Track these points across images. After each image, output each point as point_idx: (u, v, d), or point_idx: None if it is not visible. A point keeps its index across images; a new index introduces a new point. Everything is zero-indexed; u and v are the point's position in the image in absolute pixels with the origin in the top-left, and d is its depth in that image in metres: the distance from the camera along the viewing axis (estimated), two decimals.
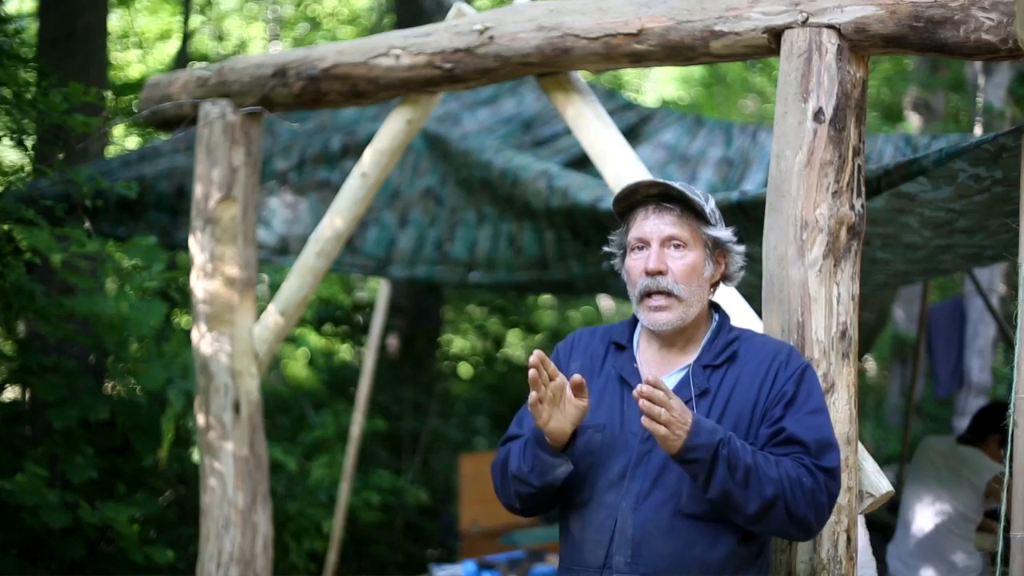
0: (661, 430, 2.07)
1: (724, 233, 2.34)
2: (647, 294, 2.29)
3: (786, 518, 2.14)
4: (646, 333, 2.38)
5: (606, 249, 2.44)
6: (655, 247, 2.29)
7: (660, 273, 2.27)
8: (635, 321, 2.42)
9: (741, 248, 2.38)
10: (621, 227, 2.39)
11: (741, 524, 2.17)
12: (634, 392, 2.07)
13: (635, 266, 2.31)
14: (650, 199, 2.32)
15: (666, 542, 2.19)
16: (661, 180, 2.31)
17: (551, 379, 2.16)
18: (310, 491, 6.24)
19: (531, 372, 2.14)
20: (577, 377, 2.17)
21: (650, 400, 2.06)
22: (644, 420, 2.08)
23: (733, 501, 2.12)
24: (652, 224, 2.30)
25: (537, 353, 2.14)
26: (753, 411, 2.25)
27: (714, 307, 2.41)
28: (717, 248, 2.34)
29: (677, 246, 2.29)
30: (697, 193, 2.32)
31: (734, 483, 2.10)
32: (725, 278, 2.38)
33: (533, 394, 2.15)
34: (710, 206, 2.34)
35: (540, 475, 2.25)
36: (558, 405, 2.18)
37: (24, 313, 4.32)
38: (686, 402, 2.25)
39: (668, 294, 2.27)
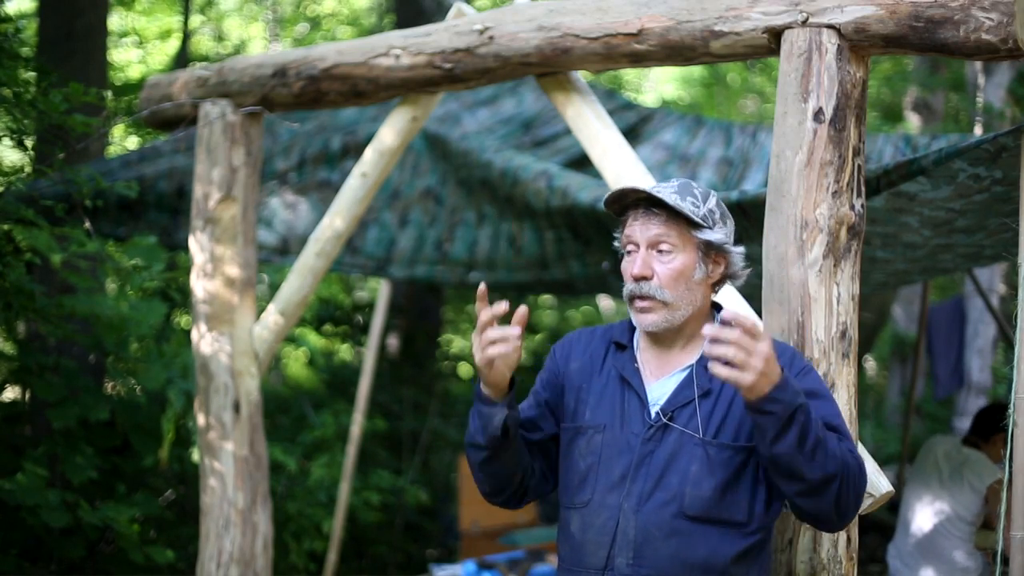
0: (735, 374, 1.97)
1: (717, 235, 2.30)
2: (633, 297, 2.29)
3: (835, 499, 2.10)
4: (645, 332, 2.37)
5: (616, 246, 2.42)
6: (642, 251, 2.28)
7: (645, 278, 2.27)
8: None
9: (739, 248, 2.36)
10: (620, 227, 2.38)
11: (790, 493, 2.12)
12: (718, 328, 1.97)
13: (625, 269, 2.32)
14: (640, 201, 2.31)
15: (668, 543, 2.18)
16: (644, 188, 2.29)
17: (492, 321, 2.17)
18: (310, 491, 6.24)
19: (515, 340, 2.14)
20: (500, 306, 2.16)
21: (739, 337, 1.96)
22: (720, 368, 1.98)
23: (794, 467, 2.06)
24: (640, 228, 2.29)
25: (481, 287, 2.17)
26: None
27: (717, 307, 2.40)
28: (712, 250, 2.31)
29: (663, 250, 2.28)
30: (695, 194, 2.29)
31: (801, 452, 2.04)
32: (730, 277, 2.36)
33: (502, 352, 2.14)
34: (707, 207, 2.30)
35: (484, 430, 2.23)
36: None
37: (24, 313, 4.32)
38: (687, 403, 2.25)
39: (652, 298, 2.27)
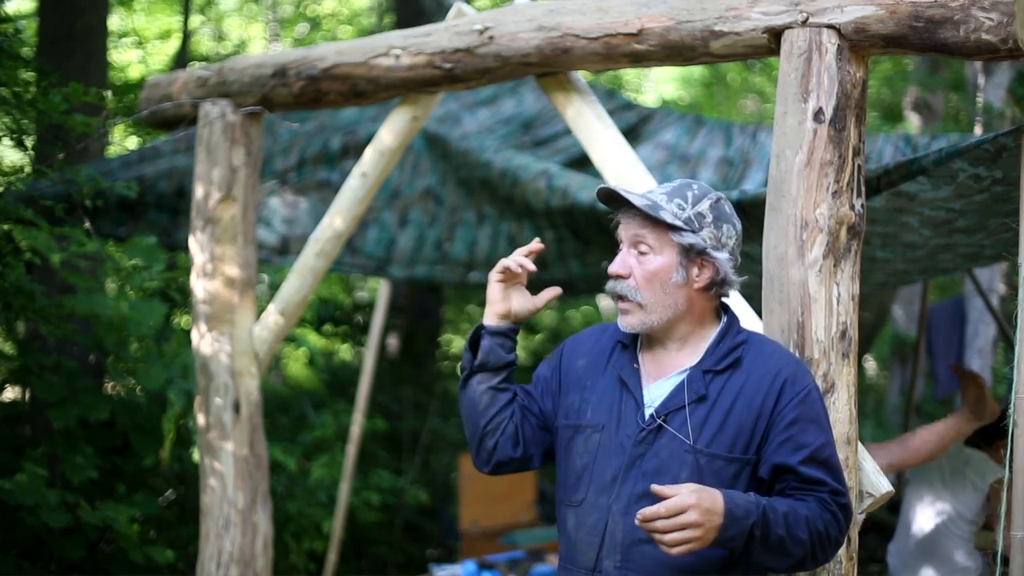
0: (694, 546, 2.05)
1: (698, 240, 2.25)
2: (612, 295, 2.32)
3: (809, 565, 2.21)
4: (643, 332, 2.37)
5: None
6: (624, 249, 2.30)
7: (621, 276, 2.28)
8: None
9: (724, 255, 2.28)
10: None
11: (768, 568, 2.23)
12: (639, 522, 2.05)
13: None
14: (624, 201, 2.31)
15: (655, 548, 2.15)
16: (611, 188, 2.29)
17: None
18: (310, 491, 6.24)
19: (528, 263, 2.39)
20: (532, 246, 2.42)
21: (666, 524, 2.04)
22: (669, 547, 2.05)
23: (765, 562, 2.17)
24: (623, 227, 2.31)
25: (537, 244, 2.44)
26: (755, 425, 2.20)
27: (724, 308, 2.36)
28: (694, 253, 2.26)
29: (642, 251, 2.28)
30: (685, 197, 2.26)
31: (767, 551, 2.13)
32: (723, 283, 2.30)
33: (515, 266, 2.40)
34: (695, 210, 2.26)
35: (467, 351, 2.44)
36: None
37: (24, 313, 4.32)
38: (680, 408, 2.23)
39: (623, 298, 2.28)
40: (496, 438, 2.41)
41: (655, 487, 2.06)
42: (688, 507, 2.02)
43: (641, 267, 2.27)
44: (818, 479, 2.18)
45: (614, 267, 2.29)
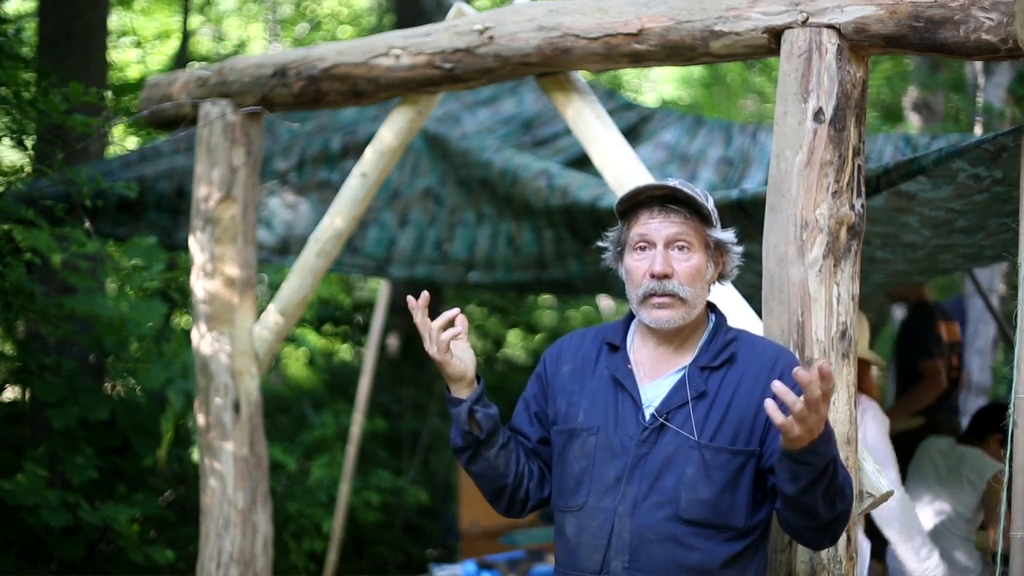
0: (801, 431, 1.97)
1: (726, 235, 2.33)
2: (651, 295, 2.27)
3: (836, 532, 2.17)
4: (641, 333, 2.36)
5: (599, 244, 2.42)
6: (660, 249, 2.26)
7: (666, 276, 2.25)
8: (628, 321, 2.40)
9: (739, 249, 2.37)
10: (619, 224, 2.36)
11: (799, 527, 2.16)
12: (810, 375, 1.93)
13: (638, 267, 2.29)
14: (655, 199, 2.30)
15: (664, 547, 2.17)
16: (668, 183, 2.28)
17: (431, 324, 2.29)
18: (310, 491, 6.24)
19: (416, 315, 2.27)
20: (448, 314, 2.31)
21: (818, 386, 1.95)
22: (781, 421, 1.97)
23: (812, 510, 2.10)
24: (657, 224, 2.28)
25: (423, 297, 2.30)
26: (756, 416, 2.22)
27: (711, 307, 2.39)
28: (717, 249, 2.33)
29: (682, 248, 2.27)
30: (699, 194, 2.31)
31: (824, 499, 2.08)
32: (721, 277, 2.37)
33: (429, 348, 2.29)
34: (710, 206, 2.32)
35: (458, 430, 2.34)
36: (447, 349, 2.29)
37: (24, 313, 4.32)
38: (682, 405, 2.24)
39: (672, 296, 2.26)
40: (525, 487, 2.41)
41: (779, 386, 1.93)
42: (830, 390, 1.95)
43: (684, 264, 2.27)
44: None
45: (660, 267, 2.25)
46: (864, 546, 3.47)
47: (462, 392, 2.33)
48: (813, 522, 2.13)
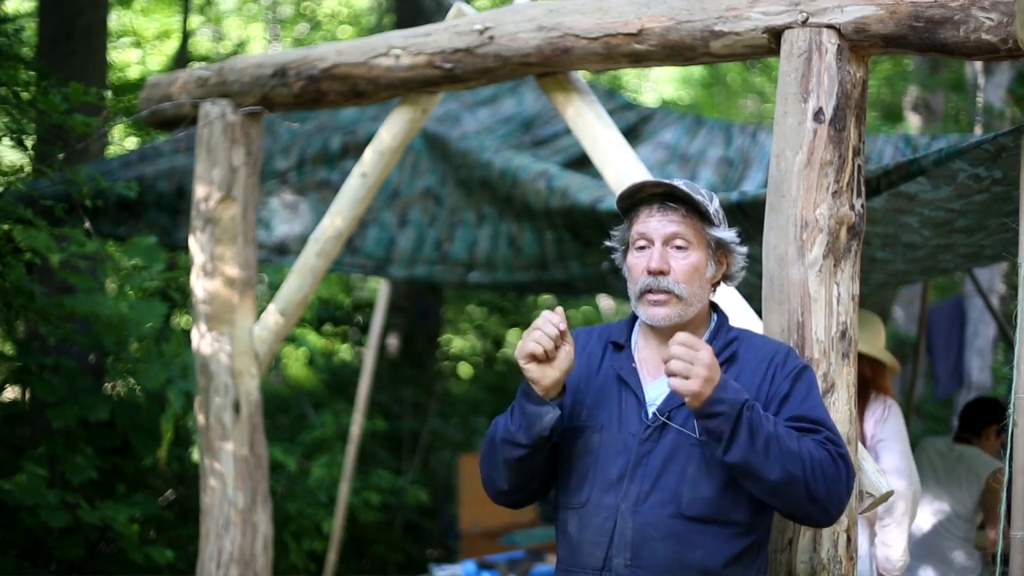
0: (677, 382, 2.06)
1: (727, 234, 2.33)
2: (647, 291, 2.28)
3: (806, 496, 2.11)
4: (644, 332, 2.37)
5: (607, 244, 2.43)
6: (658, 246, 2.28)
7: (662, 273, 2.26)
8: (633, 320, 2.40)
9: (744, 249, 2.37)
10: (623, 223, 2.37)
11: (761, 496, 2.14)
12: (669, 351, 2.07)
13: (637, 264, 2.30)
14: (655, 197, 2.31)
15: (666, 544, 2.17)
16: (667, 181, 2.29)
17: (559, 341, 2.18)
18: (310, 491, 6.24)
19: (552, 330, 2.14)
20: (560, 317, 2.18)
21: (681, 351, 2.06)
22: (672, 379, 2.07)
23: (753, 468, 2.08)
24: (656, 222, 2.29)
25: (560, 312, 2.17)
26: None
27: (713, 307, 2.40)
28: (720, 248, 2.33)
29: (680, 246, 2.28)
30: (702, 193, 2.31)
31: (754, 451, 2.07)
32: (726, 278, 2.37)
33: (538, 348, 2.15)
34: (714, 206, 2.32)
35: (528, 429, 2.22)
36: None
37: (24, 313, 4.32)
38: (683, 404, 2.24)
39: (668, 292, 2.26)
40: (541, 487, 2.38)
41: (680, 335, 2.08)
42: (704, 348, 2.07)
43: (681, 261, 2.27)
44: (812, 428, 2.18)
45: (655, 263, 2.26)
46: (864, 544, 3.48)
47: (551, 393, 2.22)
48: (765, 486, 2.10)
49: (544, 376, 2.18)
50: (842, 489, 2.15)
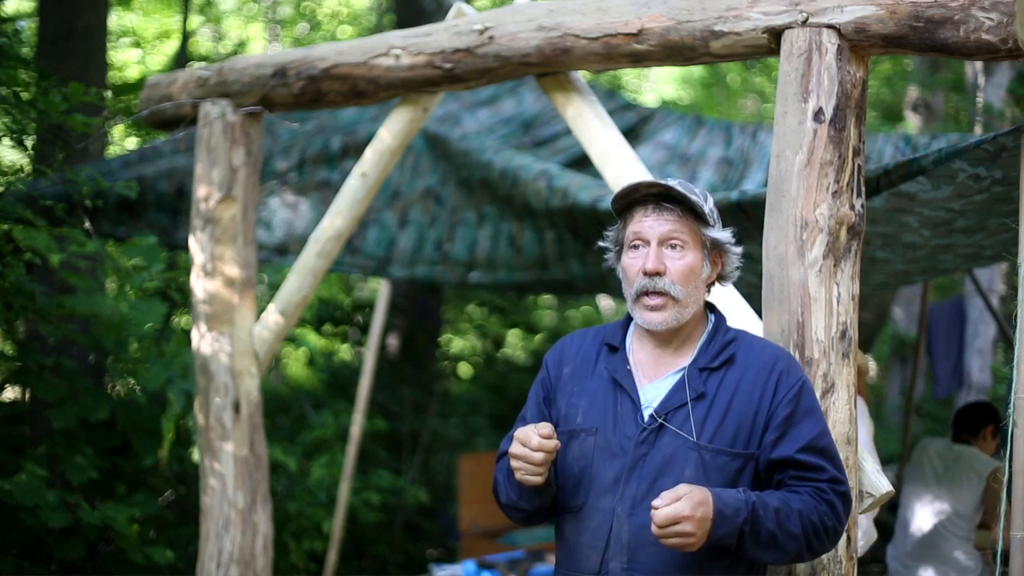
0: (683, 542, 2.07)
1: (723, 234, 2.32)
2: (643, 293, 2.27)
3: (806, 557, 2.21)
4: (639, 334, 2.36)
5: (600, 244, 2.42)
6: (653, 246, 2.27)
7: (658, 273, 2.25)
8: (628, 322, 2.39)
9: (739, 249, 2.36)
10: (618, 223, 2.37)
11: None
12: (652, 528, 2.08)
13: (632, 264, 2.29)
14: (650, 197, 2.30)
15: (662, 547, 2.15)
16: (662, 181, 2.29)
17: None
18: (310, 491, 6.24)
19: (544, 456, 2.15)
20: (546, 429, 2.17)
21: (666, 524, 2.06)
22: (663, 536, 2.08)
23: (759, 558, 2.18)
24: (651, 223, 2.28)
25: (555, 443, 2.17)
26: (755, 419, 2.22)
27: (710, 307, 2.39)
28: (715, 249, 2.32)
29: (675, 246, 2.27)
30: (696, 193, 2.30)
31: (759, 547, 2.14)
32: (721, 278, 2.36)
33: (538, 480, 2.18)
34: (709, 206, 2.32)
35: (529, 501, 2.30)
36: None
37: (24, 313, 4.32)
38: (681, 406, 2.24)
39: (664, 294, 2.26)
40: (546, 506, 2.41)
41: (655, 510, 2.07)
42: (682, 519, 2.05)
43: (677, 263, 2.27)
44: (817, 465, 2.19)
45: (651, 264, 2.25)
46: (864, 523, 3.56)
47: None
48: (773, 562, 2.21)
49: (535, 482, 2.21)
50: (840, 528, 2.23)
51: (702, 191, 2.34)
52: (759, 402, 2.22)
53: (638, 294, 2.28)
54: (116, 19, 10.14)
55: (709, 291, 2.37)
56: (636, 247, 2.29)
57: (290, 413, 7.67)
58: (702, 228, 2.29)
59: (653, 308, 2.26)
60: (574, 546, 2.27)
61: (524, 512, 2.34)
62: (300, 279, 3.71)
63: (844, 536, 2.48)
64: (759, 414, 2.22)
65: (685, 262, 2.27)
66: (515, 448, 2.18)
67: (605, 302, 12.49)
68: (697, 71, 13.72)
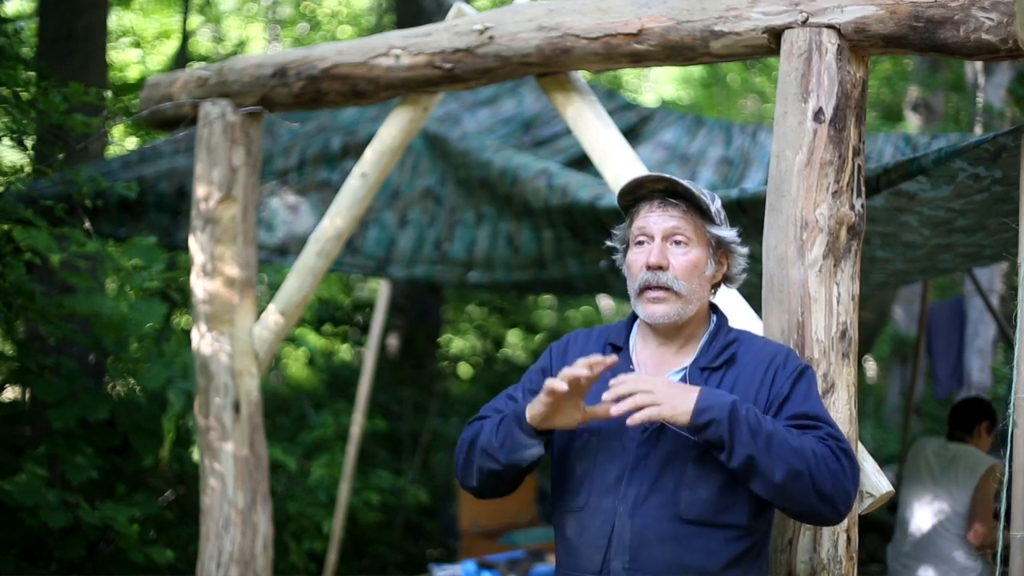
0: (652, 411, 2.06)
1: (728, 233, 2.32)
2: (646, 287, 2.27)
3: (813, 493, 2.08)
4: (643, 333, 2.36)
5: (608, 244, 2.42)
6: (657, 241, 2.27)
7: (661, 268, 2.25)
8: (631, 322, 2.40)
9: (744, 250, 2.36)
10: (625, 221, 2.37)
11: (768, 498, 2.11)
12: (605, 400, 2.08)
13: (636, 260, 2.29)
14: (655, 193, 2.30)
15: (664, 547, 2.16)
16: (667, 176, 2.29)
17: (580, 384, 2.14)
18: (310, 491, 6.24)
19: (584, 372, 2.09)
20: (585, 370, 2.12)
21: (620, 395, 2.07)
22: (633, 416, 2.07)
23: (758, 468, 2.06)
24: (656, 218, 2.28)
25: (606, 360, 2.13)
26: None
27: (713, 308, 2.39)
28: (720, 248, 2.32)
29: (679, 242, 2.27)
30: (704, 192, 2.30)
31: (756, 447, 2.05)
32: (727, 279, 2.36)
33: (561, 384, 2.10)
34: (716, 206, 2.32)
35: (509, 452, 2.21)
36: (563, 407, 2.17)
37: (24, 313, 4.32)
38: None
39: (667, 289, 2.26)
40: (516, 488, 2.36)
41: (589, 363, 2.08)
42: (633, 387, 2.08)
43: (681, 258, 2.26)
44: (812, 425, 2.16)
45: (654, 258, 2.25)
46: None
47: (542, 427, 2.19)
48: (773, 487, 2.08)
49: (549, 417, 2.17)
50: (848, 483, 2.12)
51: (710, 193, 2.34)
52: (756, 396, 2.22)
53: (641, 288, 2.28)
54: (116, 19, 10.15)
55: (715, 292, 2.36)
56: (641, 243, 2.30)
57: (290, 413, 7.67)
58: (707, 225, 2.29)
59: (655, 300, 2.26)
60: (575, 546, 2.26)
61: (490, 472, 2.25)
62: (300, 279, 3.71)
63: (844, 536, 2.48)
64: (758, 407, 2.21)
65: (689, 258, 2.27)
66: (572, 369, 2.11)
67: (605, 302, 12.48)
68: (697, 71, 13.72)
